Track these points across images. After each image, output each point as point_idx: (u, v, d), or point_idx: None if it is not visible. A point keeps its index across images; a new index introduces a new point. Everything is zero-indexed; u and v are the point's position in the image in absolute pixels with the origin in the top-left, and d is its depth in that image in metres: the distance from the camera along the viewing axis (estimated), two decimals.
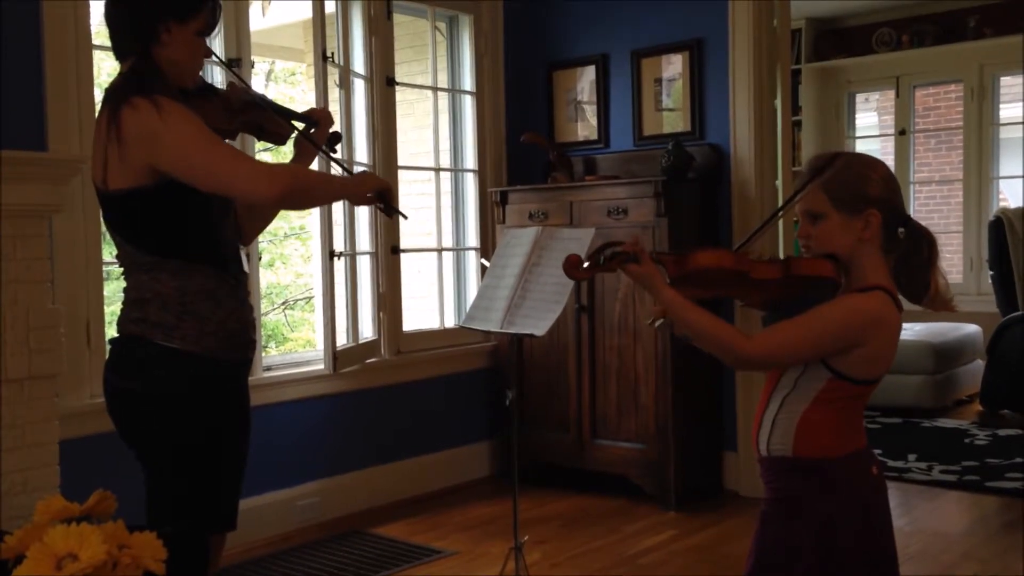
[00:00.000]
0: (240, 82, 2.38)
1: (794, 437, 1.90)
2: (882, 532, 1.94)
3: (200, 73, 2.25)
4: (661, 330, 4.13)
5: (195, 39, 2.15)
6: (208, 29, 2.17)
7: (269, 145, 2.76)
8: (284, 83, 10.04)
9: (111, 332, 2.92)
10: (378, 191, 2.27)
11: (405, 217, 2.43)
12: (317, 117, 2.38)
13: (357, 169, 4.29)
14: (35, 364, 2.99)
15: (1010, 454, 5.03)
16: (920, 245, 1.93)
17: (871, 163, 1.95)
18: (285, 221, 8.88)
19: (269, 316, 8.29)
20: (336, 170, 2.57)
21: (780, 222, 4.41)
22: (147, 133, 2.03)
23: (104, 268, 3.56)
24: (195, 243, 2.16)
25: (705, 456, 4.50)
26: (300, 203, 2.66)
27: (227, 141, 2.18)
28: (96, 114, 2.19)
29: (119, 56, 2.17)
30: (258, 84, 9.19)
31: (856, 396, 1.90)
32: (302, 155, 2.39)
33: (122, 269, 2.20)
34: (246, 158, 2.21)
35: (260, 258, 4.20)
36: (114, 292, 5.06)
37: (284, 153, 2.52)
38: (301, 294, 8.79)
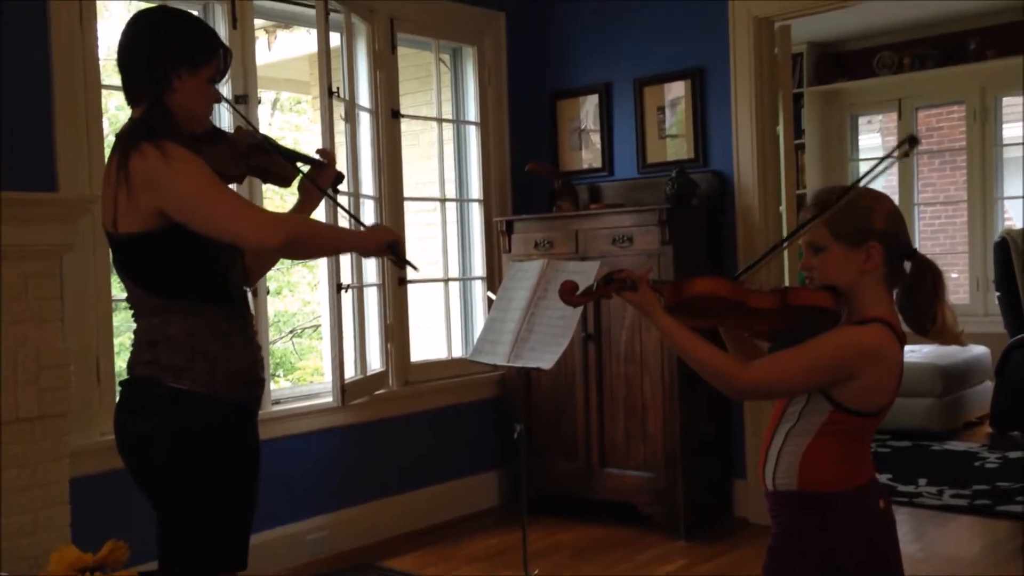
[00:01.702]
0: (247, 125, 2.41)
1: (799, 471, 1.90)
2: (889, 564, 1.93)
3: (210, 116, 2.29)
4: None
5: (206, 86, 2.18)
6: (219, 76, 2.21)
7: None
8: (290, 111, 10.11)
9: (120, 363, 2.93)
10: (389, 244, 2.28)
11: (416, 269, 2.40)
12: (323, 159, 2.41)
13: (364, 201, 4.32)
14: (45, 403, 3.01)
15: (1021, 477, 5.00)
16: (925, 278, 1.93)
17: (874, 196, 1.96)
18: None
19: (277, 344, 8.29)
20: (343, 219, 2.57)
21: (786, 253, 4.42)
22: (153, 179, 2.05)
23: (113, 302, 3.58)
24: (203, 285, 2.18)
25: (714, 483, 4.49)
26: (305, 252, 2.71)
27: (233, 185, 2.20)
28: (105, 153, 2.22)
29: (131, 102, 2.20)
30: (264, 113, 9.27)
31: (859, 428, 1.90)
32: (306, 197, 2.42)
33: (132, 311, 2.22)
34: (251, 206, 2.23)
35: (268, 291, 4.22)
36: (122, 322, 5.08)
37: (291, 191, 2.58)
38: (309, 322, 8.80)
